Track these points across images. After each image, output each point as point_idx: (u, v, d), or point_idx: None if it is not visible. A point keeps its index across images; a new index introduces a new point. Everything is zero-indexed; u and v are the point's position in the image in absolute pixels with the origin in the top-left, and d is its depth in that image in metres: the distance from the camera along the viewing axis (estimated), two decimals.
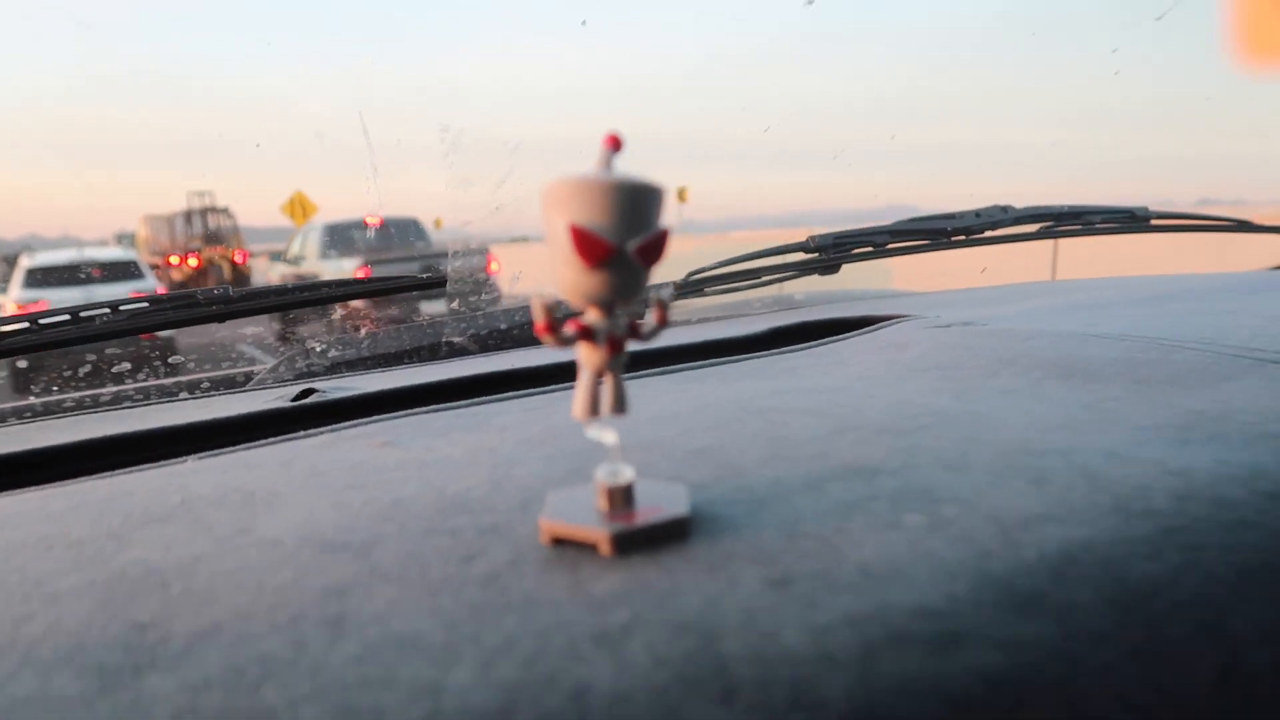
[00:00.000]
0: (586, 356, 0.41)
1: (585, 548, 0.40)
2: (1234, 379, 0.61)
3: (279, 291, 1.04)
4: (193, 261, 19.06)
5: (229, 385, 1.16)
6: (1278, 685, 0.33)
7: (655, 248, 0.39)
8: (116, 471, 0.64)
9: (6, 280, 10.85)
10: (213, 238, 20.00)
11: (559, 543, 0.40)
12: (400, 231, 11.39)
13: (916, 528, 0.39)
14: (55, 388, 1.16)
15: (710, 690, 0.29)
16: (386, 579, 0.38)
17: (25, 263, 10.42)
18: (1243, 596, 0.36)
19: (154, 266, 20.51)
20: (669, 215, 0.41)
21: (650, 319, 0.42)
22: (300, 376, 1.13)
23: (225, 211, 20.64)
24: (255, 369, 1.23)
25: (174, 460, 0.65)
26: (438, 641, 0.33)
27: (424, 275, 1.14)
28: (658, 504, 0.42)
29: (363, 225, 11.07)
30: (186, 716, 0.29)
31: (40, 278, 10.00)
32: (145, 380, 1.23)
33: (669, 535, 0.40)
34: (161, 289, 10.88)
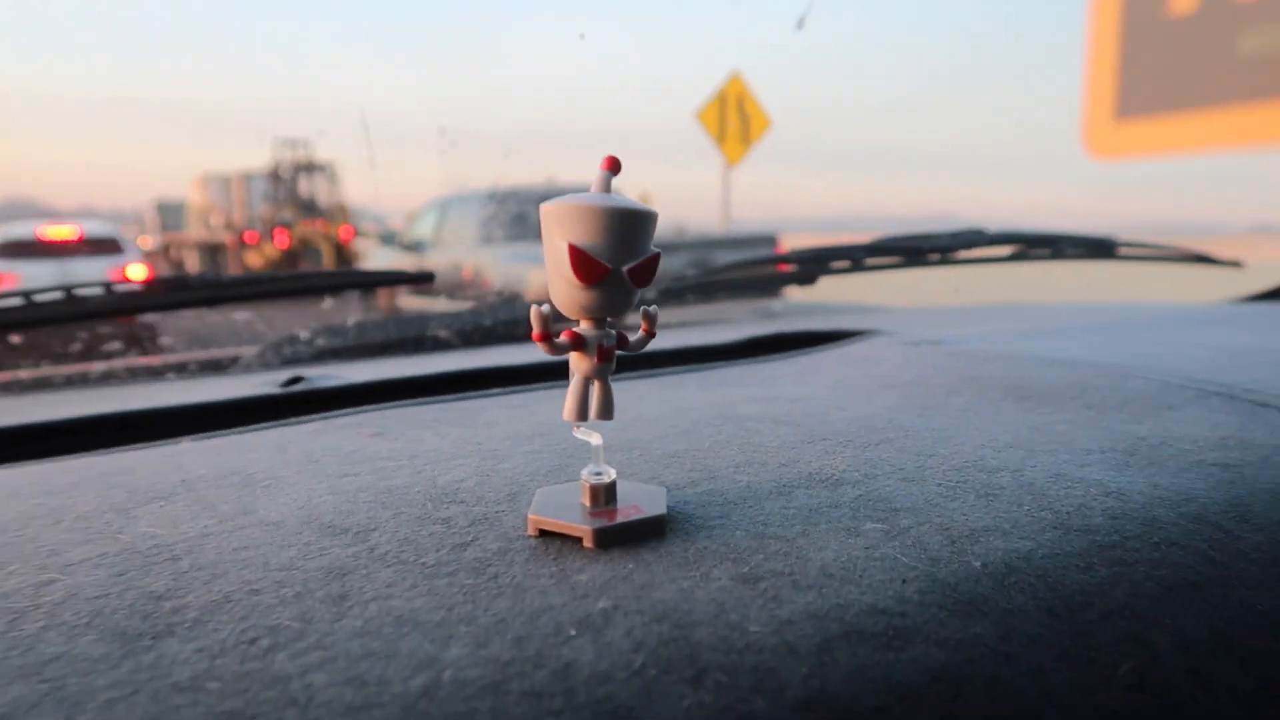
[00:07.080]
0: (577, 363, 0.44)
1: (569, 540, 0.43)
2: (1177, 408, 0.65)
3: (270, 280, 1.06)
4: (277, 242, 13.04)
5: (215, 368, 1.18)
6: (1190, 692, 0.37)
7: (647, 270, 0.42)
8: (113, 449, 0.66)
9: None
10: (308, 207, 13.43)
11: (544, 534, 0.44)
12: None
13: (874, 535, 0.43)
14: (46, 362, 1.17)
15: (682, 673, 0.32)
16: (384, 562, 0.41)
17: None
18: (1164, 610, 0.40)
19: (214, 246, 14.41)
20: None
21: (639, 331, 0.46)
22: (286, 363, 1.15)
23: (327, 171, 13.70)
24: (240, 351, 1.24)
25: (169, 440, 0.68)
26: (434, 620, 0.36)
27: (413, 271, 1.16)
28: (637, 503, 0.45)
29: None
30: (205, 680, 0.32)
31: (13, 250, 9.82)
32: (133, 359, 1.24)
33: (647, 533, 0.43)
34: (144, 265, 10.49)
